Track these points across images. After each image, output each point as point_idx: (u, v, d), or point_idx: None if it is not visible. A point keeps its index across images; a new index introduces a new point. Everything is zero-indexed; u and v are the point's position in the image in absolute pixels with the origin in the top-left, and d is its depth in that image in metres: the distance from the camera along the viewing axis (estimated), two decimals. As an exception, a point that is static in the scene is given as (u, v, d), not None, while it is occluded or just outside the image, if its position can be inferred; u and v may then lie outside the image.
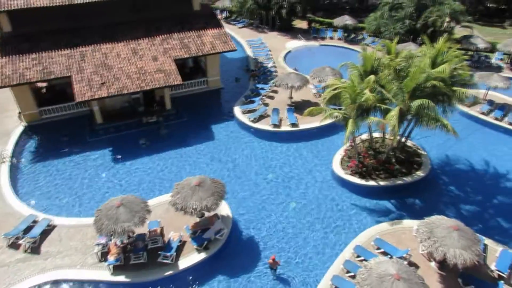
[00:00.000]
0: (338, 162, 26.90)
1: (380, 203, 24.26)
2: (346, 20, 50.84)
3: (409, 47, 37.87)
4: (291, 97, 34.68)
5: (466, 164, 27.92)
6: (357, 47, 45.35)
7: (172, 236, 20.49)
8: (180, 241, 20.35)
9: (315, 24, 54.79)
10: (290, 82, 32.59)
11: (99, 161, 27.46)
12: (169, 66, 31.20)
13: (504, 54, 44.22)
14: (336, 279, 18.53)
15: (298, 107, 33.07)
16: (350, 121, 22.44)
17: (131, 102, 32.59)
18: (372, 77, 22.76)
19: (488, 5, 63.36)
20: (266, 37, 51.00)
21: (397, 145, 26.33)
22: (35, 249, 20.44)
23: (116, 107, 32.21)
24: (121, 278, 18.94)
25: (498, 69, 42.27)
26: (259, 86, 36.88)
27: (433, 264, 19.58)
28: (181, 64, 34.44)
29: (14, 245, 20.59)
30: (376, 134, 28.28)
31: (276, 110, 32.27)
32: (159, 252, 19.64)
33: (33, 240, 20.49)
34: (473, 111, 33.56)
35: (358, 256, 19.81)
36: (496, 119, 32.53)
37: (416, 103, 21.62)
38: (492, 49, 44.58)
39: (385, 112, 22.88)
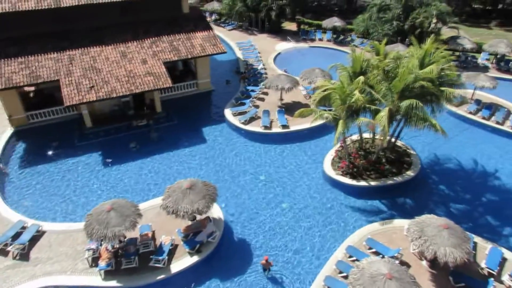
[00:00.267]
0: (329, 163, 27.03)
1: (371, 203, 24.43)
2: (335, 21, 51.22)
3: (397, 48, 38.37)
4: (281, 99, 34.77)
5: (455, 163, 28.27)
6: (346, 49, 45.76)
7: (164, 239, 20.35)
8: (172, 244, 20.22)
9: (304, 26, 55.13)
10: (280, 84, 32.69)
11: (89, 165, 27.18)
12: (159, 69, 31.06)
13: (490, 54, 44.93)
14: (328, 279, 18.58)
15: (289, 109, 33.17)
16: (340, 122, 22.57)
17: (120, 105, 32.36)
18: (361, 78, 22.94)
19: (474, 6, 64.40)
20: (256, 39, 51.11)
21: (387, 145, 26.57)
22: (24, 256, 20.11)
23: (106, 110, 31.94)
24: (113, 283, 18.72)
25: (485, 69, 42.93)
26: (249, 88, 36.93)
27: (424, 263, 19.75)
28: (170, 67, 34.30)
29: (3, 252, 20.22)
30: (366, 135, 28.48)
31: (266, 112, 32.32)
32: (151, 256, 19.49)
33: (22, 247, 20.17)
34: (461, 111, 34.02)
35: (350, 257, 19.89)
36: (484, 118, 33.02)
37: (405, 103, 21.84)
38: (479, 49, 45.26)
39: (374, 113, 23.07)
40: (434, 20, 44.31)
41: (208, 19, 54.79)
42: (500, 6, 63.25)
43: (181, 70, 38.06)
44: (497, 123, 32.32)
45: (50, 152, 28.21)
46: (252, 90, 36.47)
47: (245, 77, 39.66)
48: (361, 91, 22.73)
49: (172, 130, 31.42)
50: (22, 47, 29.72)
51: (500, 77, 39.68)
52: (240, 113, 32.80)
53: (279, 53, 47.05)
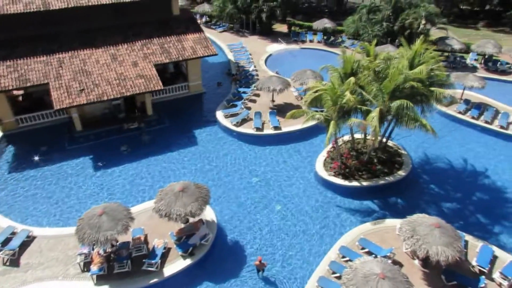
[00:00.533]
0: (321, 163, 27.13)
1: (364, 203, 24.56)
2: (325, 23, 51.49)
3: (387, 49, 38.76)
4: (273, 100, 34.83)
5: (445, 163, 28.57)
6: (336, 50, 46.01)
7: (157, 243, 20.22)
8: (164, 248, 20.10)
9: (295, 27, 55.34)
10: (272, 85, 32.75)
11: (80, 169, 26.91)
12: (150, 72, 30.91)
13: (478, 54, 45.56)
14: (322, 280, 18.62)
15: (280, 110, 33.24)
16: (332, 123, 22.68)
17: (111, 108, 32.12)
18: (352, 79, 23.10)
19: (462, 7, 65.24)
20: (247, 41, 51.15)
21: (378, 145, 26.76)
22: (14, 262, 19.82)
23: (96, 113, 31.68)
24: (105, 288, 18.57)
25: (473, 69, 43.50)
26: (241, 90, 36.93)
27: (416, 262, 19.91)
28: (161, 69, 34.18)
29: (-8, 258, 19.96)
30: (357, 135, 28.65)
31: (258, 114, 32.34)
32: (144, 260, 19.36)
33: (12, 253, 19.88)
34: (451, 111, 34.41)
35: (343, 257, 19.96)
36: (473, 117, 33.43)
37: (395, 103, 22.03)
38: (467, 50, 45.88)
39: (366, 113, 23.23)
40: (423, 21, 44.81)
41: (199, 21, 54.73)
42: (487, 7, 64.14)
43: (172, 72, 37.92)
44: (486, 122, 32.76)
45: (40, 157, 27.86)
46: (244, 92, 36.48)
47: (237, 79, 39.67)
48: (352, 92, 22.89)
49: (164, 132, 31.28)
50: (10, 50, 29.33)
51: (488, 77, 40.23)
52: (232, 115, 32.78)
53: (270, 55, 47.16)
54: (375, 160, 26.54)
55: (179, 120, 32.99)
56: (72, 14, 31.11)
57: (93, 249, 19.54)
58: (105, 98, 28.54)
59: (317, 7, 66.88)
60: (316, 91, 24.23)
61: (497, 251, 20.51)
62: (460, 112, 34.19)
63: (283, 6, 52.76)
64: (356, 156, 26.87)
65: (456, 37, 49.06)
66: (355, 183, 25.34)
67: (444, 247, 17.56)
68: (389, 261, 18.16)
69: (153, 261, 19.13)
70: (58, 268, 19.55)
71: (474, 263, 19.71)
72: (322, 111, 24.62)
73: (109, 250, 19.96)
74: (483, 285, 18.20)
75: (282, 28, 56.93)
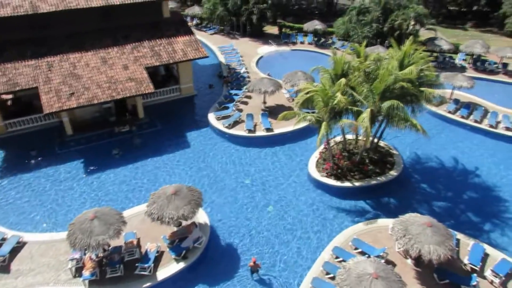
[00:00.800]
0: (313, 164, 27.20)
1: (356, 203, 24.67)
2: (316, 24, 51.73)
3: (377, 50, 39.05)
4: (264, 102, 34.86)
5: (436, 162, 28.83)
6: (327, 51, 46.29)
7: (149, 247, 20.09)
8: (157, 251, 19.97)
9: (285, 29, 55.51)
10: (263, 87, 32.78)
11: (71, 173, 26.64)
12: (141, 75, 30.76)
13: (467, 54, 46.14)
14: (316, 281, 18.65)
15: (272, 112, 33.28)
16: (323, 124, 22.76)
17: (102, 112, 31.90)
18: (342, 80, 23.22)
19: (450, 8, 66.05)
20: (238, 43, 51.19)
21: (370, 146, 26.91)
22: (4, 268, 19.53)
23: (87, 117, 31.43)
24: (97, 293, 18.38)
25: (462, 69, 44.03)
26: (233, 92, 36.91)
27: (409, 261, 20.03)
28: (152, 72, 34.01)
29: (-18, 266, 19.65)
30: (349, 136, 28.79)
31: (250, 116, 32.35)
32: (137, 264, 19.21)
33: (2, 259, 19.59)
34: (441, 110, 34.77)
35: (337, 257, 20.01)
36: (462, 117, 33.81)
37: (386, 104, 22.20)
38: (456, 50, 46.42)
39: (357, 114, 23.36)
40: (412, 22, 45.32)
41: (190, 23, 54.60)
42: (474, 7, 65.04)
43: (163, 75, 37.78)
44: (475, 121, 33.16)
45: (30, 161, 27.54)
46: (235, 94, 36.47)
47: (228, 81, 39.65)
48: (343, 93, 23.01)
49: (156, 135, 31.11)
50: (-2, 54, 29.05)
51: (477, 77, 40.76)
52: (224, 117, 32.75)
53: (261, 57, 47.23)
54: (367, 161, 26.69)
55: (171, 123, 32.85)
56: (61, 17, 30.84)
57: (84, 254, 19.32)
58: (96, 101, 28.31)
59: (307, 9, 67.26)
60: (307, 93, 24.30)
61: (488, 249, 20.72)
62: (450, 112, 34.56)
63: (273, 8, 52.96)
64: (348, 157, 27.00)
65: (445, 37, 49.64)
66: (347, 184, 25.45)
67: (436, 246, 17.70)
68: (382, 261, 18.24)
69: (146, 265, 19.00)
70: (49, 274, 19.30)
71: (466, 261, 19.89)
72: (313, 112, 24.71)
73: (101, 254, 19.76)
74: (475, 283, 18.36)
75: (272, 30, 57.09)
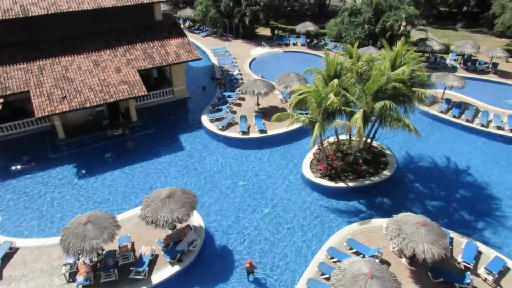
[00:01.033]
0: (307, 165, 27.26)
1: (350, 203, 24.77)
2: (308, 26, 51.91)
3: (370, 51, 39.28)
4: (258, 104, 34.89)
5: (429, 161, 29.05)
6: (320, 52, 46.44)
7: (144, 250, 19.97)
8: (152, 255, 19.87)
9: (278, 31, 55.59)
10: (257, 89, 32.81)
11: (63, 177, 26.43)
12: (133, 77, 30.63)
13: (458, 55, 46.61)
14: (311, 282, 18.67)
15: (266, 114, 33.32)
16: (317, 125, 22.84)
17: (94, 115, 31.70)
18: (335, 81, 23.33)
19: (441, 9, 66.68)
20: (230, 45, 51.20)
21: (363, 146, 27.04)
22: (-4, 275, 19.34)
23: (79, 121, 31.20)
24: (92, 298, 18.24)
25: (453, 69, 44.45)
26: (226, 94, 36.90)
27: (403, 260, 20.13)
28: (145, 74, 33.87)
29: (-27, 272, 19.39)
30: (343, 137, 28.90)
31: (244, 117, 32.35)
32: (131, 268, 19.09)
33: (-6, 265, 19.40)
34: (433, 110, 35.06)
35: (332, 258, 20.06)
36: (454, 116, 34.13)
37: (378, 104, 22.33)
38: (447, 50, 46.88)
39: (350, 115, 23.48)
40: (404, 23, 45.60)
41: (182, 26, 54.48)
42: (464, 8, 65.73)
43: (156, 77, 37.63)
44: (467, 121, 33.49)
45: (22, 166, 27.27)
46: (229, 96, 36.46)
47: (221, 83, 39.63)
48: (336, 94, 23.11)
49: (149, 138, 30.98)
50: (-12, 58, 28.75)
51: (468, 77, 41.18)
52: (218, 119, 32.71)
53: (254, 59, 47.26)
54: (361, 161, 26.81)
55: (164, 126, 32.74)
56: (52, 20, 30.62)
57: (78, 259, 19.17)
58: (88, 105, 28.14)
59: (300, 11, 67.43)
60: (300, 94, 24.37)
61: (482, 247, 20.92)
62: (442, 112, 34.87)
63: (266, 10, 53.00)
64: (341, 157, 27.10)
65: (436, 38, 50.07)
66: (341, 184, 25.53)
67: (430, 245, 17.81)
68: (377, 261, 18.31)
69: (140, 269, 18.88)
70: (42, 279, 19.10)
71: (459, 259, 20.06)
72: (307, 113, 24.78)
73: (95, 259, 19.61)
74: (468, 280, 18.50)
75: (265, 31, 57.18)
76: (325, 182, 25.66)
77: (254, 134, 31.03)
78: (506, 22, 48.84)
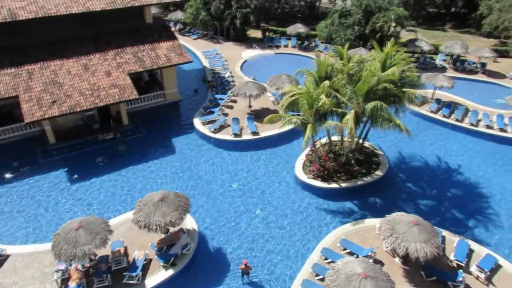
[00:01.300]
0: (300, 167, 27.30)
1: (343, 204, 24.85)
2: (299, 28, 52.12)
3: (360, 52, 39.51)
4: (250, 106, 34.90)
5: (420, 161, 29.29)
6: (311, 54, 46.55)
7: (137, 255, 19.81)
8: (145, 259, 19.72)
9: (269, 33, 55.76)
10: (248, 91, 32.82)
11: (54, 183, 26.13)
12: (124, 81, 30.45)
13: (447, 55, 47.15)
14: (306, 283, 18.68)
15: (258, 115, 33.33)
16: (309, 126, 22.90)
17: (85, 119, 31.43)
18: (326, 82, 23.43)
19: (429, 10, 67.42)
20: (222, 47, 51.18)
21: (355, 147, 27.17)
22: (-14, 283, 19.04)
23: (70, 125, 30.91)
24: (85, 305, 18.04)
25: (443, 69, 44.95)
26: (218, 96, 36.86)
27: (397, 259, 20.24)
28: (136, 78, 33.71)
29: (-37, 281, 19.07)
30: (335, 138, 29.00)
31: (236, 120, 32.32)
32: (124, 273, 18.92)
33: (-16, 273, 19.08)
34: (423, 110, 35.38)
35: (326, 259, 20.09)
36: (444, 116, 34.49)
37: (369, 105, 22.46)
38: (436, 51, 47.40)
39: (341, 116, 23.59)
40: (393, 24, 46.05)
41: (173, 28, 54.39)
42: (453, 9, 66.55)
43: (146, 81, 37.46)
44: (457, 120, 33.86)
45: (11, 172, 26.87)
46: (221, 99, 36.42)
47: (213, 85, 39.57)
48: (327, 95, 23.21)
49: (141, 142, 30.79)
50: (-24, 63, 28.38)
51: (457, 77, 41.67)
52: (209, 122, 32.65)
53: (245, 61, 47.30)
54: (353, 161, 26.93)
55: (156, 129, 32.58)
56: (40, 24, 30.32)
57: (70, 265, 18.95)
58: (78, 109, 27.90)
59: (290, 13, 67.65)
60: (292, 95, 24.44)
61: (473, 245, 21.12)
62: (432, 112, 35.21)
63: (257, 12, 53.10)
64: (334, 158, 27.19)
65: (425, 39, 50.60)
66: (334, 185, 25.62)
67: (422, 244, 17.94)
68: (371, 260, 18.38)
69: (134, 274, 18.72)
70: (34, 286, 18.83)
71: (451, 257, 20.22)
72: (298, 115, 24.84)
73: (87, 265, 19.41)
74: (461, 278, 18.65)
75: (256, 34, 57.29)
76: (318, 183, 25.72)
77: (246, 136, 31.01)
78: (493, 23, 49.56)
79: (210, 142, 30.90)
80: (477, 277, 19.35)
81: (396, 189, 26.54)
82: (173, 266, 19.70)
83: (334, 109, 23.36)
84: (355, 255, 19.79)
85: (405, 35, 50.65)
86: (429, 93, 37.00)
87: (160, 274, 19.38)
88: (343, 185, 25.65)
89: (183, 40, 47.94)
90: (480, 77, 43.85)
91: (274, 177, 27.15)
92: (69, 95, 28.29)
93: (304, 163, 27.63)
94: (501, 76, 43.82)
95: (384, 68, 23.92)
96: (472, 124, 33.16)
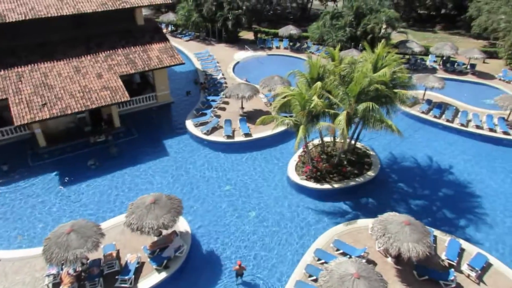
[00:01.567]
0: (293, 168, 27.35)
1: (336, 205, 24.93)
2: (291, 29, 52.30)
3: (352, 53, 39.76)
4: (242, 108, 34.90)
5: (412, 161, 29.52)
6: (303, 55, 46.77)
7: (130, 258, 19.67)
8: (138, 262, 19.58)
9: (261, 34, 55.85)
10: (241, 92, 32.83)
11: (45, 186, 25.86)
12: (115, 83, 30.27)
13: (437, 56, 47.64)
14: (299, 284, 18.69)
15: (250, 117, 33.35)
16: (301, 128, 22.96)
17: (76, 122, 31.18)
18: (318, 83, 23.51)
19: (420, 11, 68.08)
20: (214, 49, 51.15)
21: (347, 147, 27.28)
22: (-24, 288, 18.77)
23: (61, 128, 30.64)
24: (76, 309, 17.87)
25: (433, 70, 45.39)
26: (210, 98, 36.81)
27: (389, 259, 20.36)
28: (127, 80, 33.55)
29: (-48, 286, 18.78)
30: (327, 139, 29.11)
31: (228, 121, 32.30)
32: (117, 277, 18.77)
33: (-27, 279, 18.81)
34: (414, 111, 35.68)
35: (319, 260, 20.13)
36: (435, 117, 34.82)
37: (361, 106, 22.59)
38: (426, 52, 47.87)
39: (333, 117, 23.68)
40: (384, 26, 46.41)
41: (165, 30, 54.24)
42: (443, 11, 67.27)
43: (138, 83, 37.30)
44: (448, 121, 34.21)
45: (1, 176, 26.53)
46: (213, 100, 36.37)
47: (205, 87, 39.51)
48: (320, 96, 23.29)
49: (133, 144, 30.63)
50: (-36, 66, 28.01)
51: (447, 78, 42.12)
52: (202, 124, 32.57)
53: (237, 62, 47.33)
54: (345, 162, 27.05)
55: (148, 131, 32.43)
56: (30, 26, 30.07)
57: (62, 269, 18.76)
58: (69, 112, 27.65)
59: (282, 14, 67.85)
60: (284, 97, 24.50)
61: (464, 244, 21.31)
62: (423, 112, 35.52)
63: (249, 14, 53.17)
64: (326, 159, 27.28)
65: (416, 40, 51.08)
66: (326, 186, 25.70)
67: (414, 244, 18.07)
68: (363, 261, 18.45)
69: (126, 277, 18.59)
70: (25, 291, 18.64)
71: (443, 257, 20.38)
72: (291, 116, 24.89)
73: (79, 269, 19.22)
74: (452, 277, 18.80)
75: (248, 35, 57.35)
76: (311, 184, 25.79)
77: (239, 137, 31.00)
78: (482, 24, 50.19)
79: (203, 144, 30.82)
80: (468, 276, 19.53)
81: (388, 190, 26.71)
82: (166, 269, 19.59)
83: (326, 110, 23.45)
84: (348, 256, 19.87)
85: (396, 37, 51.09)
86: (420, 94, 37.33)
87: (153, 277, 19.26)
88: (336, 186, 25.75)
89: (175, 42, 47.87)
90: (469, 78, 44.36)
91: (267, 178, 27.17)
92: (59, 98, 28.04)
93: (296, 164, 27.69)
94: (490, 77, 44.38)
95: (375, 69, 24.10)
96: (462, 125, 33.52)
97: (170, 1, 41.26)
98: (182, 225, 22.18)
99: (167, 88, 36.44)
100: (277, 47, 52.43)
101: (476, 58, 44.73)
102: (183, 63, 35.48)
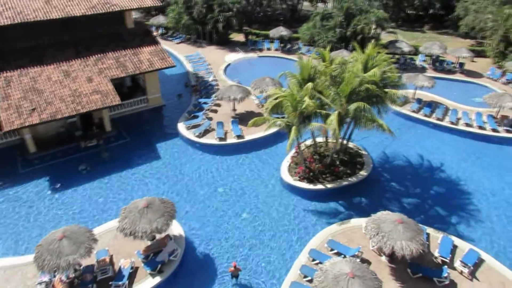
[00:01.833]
0: (285, 169, 27.38)
1: (330, 205, 25.02)
2: (281, 31, 52.44)
3: (342, 54, 39.99)
4: (234, 109, 34.88)
5: (403, 160, 29.75)
6: (293, 57, 46.90)
7: (123, 263, 19.50)
8: (132, 267, 19.42)
9: (251, 36, 55.91)
10: (232, 94, 32.81)
11: (36, 192, 25.53)
12: (106, 87, 30.05)
13: (426, 55, 48.12)
14: (294, 285, 18.69)
15: (242, 119, 33.33)
16: (293, 128, 23.01)
17: (67, 126, 30.87)
18: (310, 84, 23.60)
19: (408, 12, 68.76)
20: (205, 51, 51.06)
21: (339, 147, 27.41)
22: (-34, 298, 18.46)
23: (51, 133, 30.31)
24: (70, 316, 17.66)
25: (423, 69, 45.84)
26: (202, 100, 36.72)
27: (383, 258, 20.47)
28: (118, 83, 33.32)
29: None
30: (319, 139, 29.21)
31: (220, 123, 32.24)
32: (110, 283, 18.59)
33: (-37, 288, 18.50)
34: (405, 110, 35.98)
35: (313, 260, 20.16)
36: (426, 115, 35.15)
37: (353, 106, 22.74)
38: (416, 51, 48.33)
39: (325, 117, 23.79)
40: (374, 26, 46.74)
41: (155, 33, 54.06)
42: (430, 11, 68.00)
43: (129, 86, 37.06)
44: (438, 119, 34.55)
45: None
46: (205, 103, 36.29)
47: (197, 89, 39.41)
48: (311, 97, 23.38)
49: (125, 148, 30.41)
50: (-49, 71, 27.59)
51: (437, 77, 42.55)
52: (194, 126, 32.47)
53: (229, 64, 47.29)
54: (338, 162, 27.16)
55: (140, 135, 32.23)
56: (18, 30, 29.71)
57: (54, 276, 18.52)
58: (59, 116, 27.37)
59: (272, 16, 68.00)
60: (276, 98, 24.55)
61: (457, 241, 21.52)
62: (413, 111, 35.83)
63: (239, 16, 53.20)
64: (319, 160, 27.36)
65: (405, 40, 51.54)
66: (320, 186, 25.77)
67: (408, 242, 18.20)
68: (358, 260, 18.53)
69: (120, 283, 18.42)
70: (16, 299, 18.39)
71: (436, 254, 20.56)
72: (283, 117, 24.93)
73: (72, 275, 18.98)
74: (446, 274, 18.96)
75: (239, 37, 57.38)
76: (304, 185, 25.84)
77: (231, 139, 30.96)
78: (469, 24, 50.88)
79: (195, 146, 30.73)
80: (461, 272, 19.72)
81: (381, 189, 26.88)
82: (160, 273, 19.46)
83: (318, 110, 23.55)
84: (343, 255, 19.93)
85: (385, 37, 51.52)
86: (410, 93, 37.64)
87: (147, 282, 19.11)
88: (329, 186, 25.83)
89: (165, 45, 47.65)
90: (458, 76, 44.91)
91: (260, 180, 27.16)
92: (49, 102, 27.74)
93: (289, 165, 27.73)
94: (479, 75, 44.98)
95: (366, 69, 24.26)
96: (452, 123, 33.88)
97: (160, 4, 41.10)
98: (176, 228, 22.06)
99: (158, 91, 36.27)
100: (268, 49, 52.53)
101: (464, 57, 45.29)
102: (174, 66, 35.32)
